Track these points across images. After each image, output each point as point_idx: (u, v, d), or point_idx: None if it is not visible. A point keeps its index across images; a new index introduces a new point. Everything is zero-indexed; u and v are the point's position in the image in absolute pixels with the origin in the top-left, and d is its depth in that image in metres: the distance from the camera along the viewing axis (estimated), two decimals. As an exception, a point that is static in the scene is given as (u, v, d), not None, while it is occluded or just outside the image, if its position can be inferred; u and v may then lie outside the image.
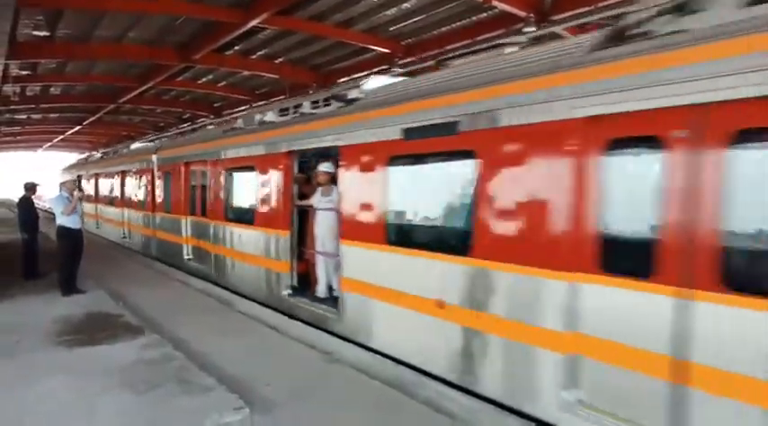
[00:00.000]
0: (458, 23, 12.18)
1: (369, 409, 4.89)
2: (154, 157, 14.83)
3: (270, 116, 9.67)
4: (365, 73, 14.98)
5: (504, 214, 4.94)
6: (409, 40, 13.68)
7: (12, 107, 21.27)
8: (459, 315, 5.36)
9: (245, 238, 9.72)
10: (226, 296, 9.67)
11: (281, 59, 16.36)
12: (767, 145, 3.47)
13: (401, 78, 7.79)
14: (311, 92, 16.54)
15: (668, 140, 3.88)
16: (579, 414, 4.29)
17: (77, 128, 30.67)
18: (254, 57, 16.16)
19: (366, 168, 6.71)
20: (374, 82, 7.77)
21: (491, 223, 5.05)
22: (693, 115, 3.72)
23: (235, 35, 13.01)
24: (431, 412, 4.80)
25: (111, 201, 19.88)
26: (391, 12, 12.04)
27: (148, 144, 18.34)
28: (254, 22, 11.86)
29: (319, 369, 5.92)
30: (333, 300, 7.67)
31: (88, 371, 5.57)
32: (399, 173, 6.29)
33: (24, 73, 17.63)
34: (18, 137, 36.06)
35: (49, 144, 40.81)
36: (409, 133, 6.03)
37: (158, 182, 14.43)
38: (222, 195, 10.66)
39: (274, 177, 8.76)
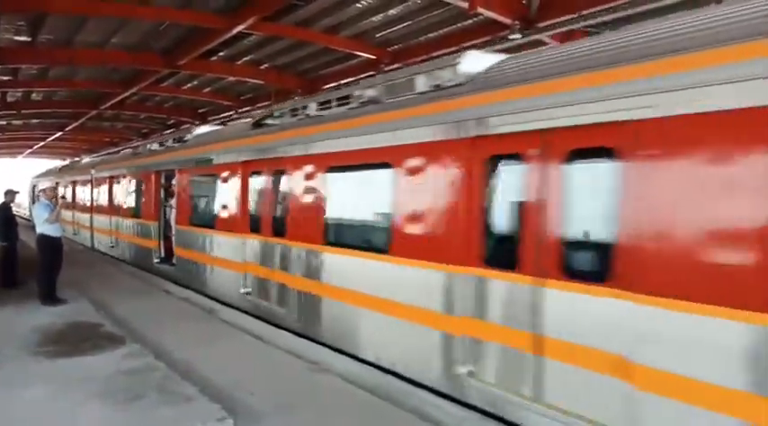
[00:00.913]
0: (444, 30, 12.22)
1: (355, 419, 4.83)
2: (92, 171, 19.63)
3: (154, 146, 14.90)
4: (351, 79, 15.00)
5: (208, 206, 10.44)
6: (396, 47, 13.70)
7: (-9, 113, 20.96)
8: (211, 260, 10.29)
9: (136, 227, 14.60)
10: (209, 304, 9.56)
11: (266, 65, 16.30)
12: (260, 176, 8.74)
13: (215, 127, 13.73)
14: (296, 98, 16.54)
15: (245, 173, 9.15)
16: (246, 299, 8.98)
17: (59, 134, 30.28)
18: (239, 62, 16.08)
19: (182, 181, 11.77)
20: (199, 129, 13.11)
21: (216, 210, 10.04)
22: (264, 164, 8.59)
23: (220, 41, 12.94)
24: (417, 421, 4.74)
25: (65, 206, 22.30)
26: (378, 18, 12.05)
27: (94, 159, 23.47)
28: (239, 28, 11.80)
29: (305, 379, 5.84)
30: None
31: (69, 381, 5.44)
32: (196, 185, 11.35)
33: (5, 78, 17.39)
34: (-2, 143, 35.50)
35: (30, 150, 40.23)
36: (197, 163, 11.03)
37: (94, 191, 19.17)
38: (127, 199, 15.52)
39: (151, 186, 13.64)
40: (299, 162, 7.63)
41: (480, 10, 9.73)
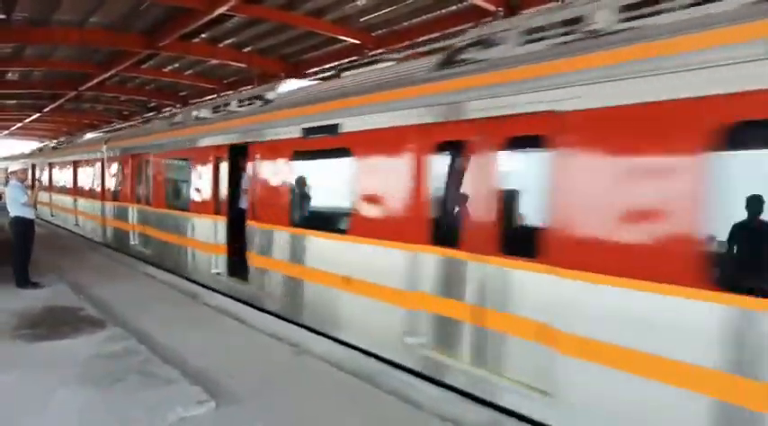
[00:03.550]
0: (428, 15, 12.18)
1: (336, 400, 4.89)
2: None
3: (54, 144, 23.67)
4: (335, 63, 14.91)
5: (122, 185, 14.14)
6: (380, 32, 13.62)
7: (-34, 93, 20.43)
8: (99, 219, 15.39)
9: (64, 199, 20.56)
10: (191, 288, 9.54)
11: (249, 48, 16.11)
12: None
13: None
14: (281, 82, 16.35)
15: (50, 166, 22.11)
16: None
17: (37, 115, 29.65)
18: (221, 45, 15.87)
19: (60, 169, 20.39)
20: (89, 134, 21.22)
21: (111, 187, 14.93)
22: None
23: (202, 22, 12.74)
24: (398, 402, 4.82)
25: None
26: (362, 2, 11.96)
27: (23, 154, 31.42)
28: (221, 10, 11.62)
29: (286, 361, 5.89)
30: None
31: (48, 365, 5.41)
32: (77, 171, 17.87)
33: (-21, 57, 16.95)
34: (-27, 124, 34.66)
35: (7, 132, 39.37)
36: (110, 150, 14.92)
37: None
38: (56, 179, 21.54)
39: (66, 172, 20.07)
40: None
41: (464, -5, 9.72)
